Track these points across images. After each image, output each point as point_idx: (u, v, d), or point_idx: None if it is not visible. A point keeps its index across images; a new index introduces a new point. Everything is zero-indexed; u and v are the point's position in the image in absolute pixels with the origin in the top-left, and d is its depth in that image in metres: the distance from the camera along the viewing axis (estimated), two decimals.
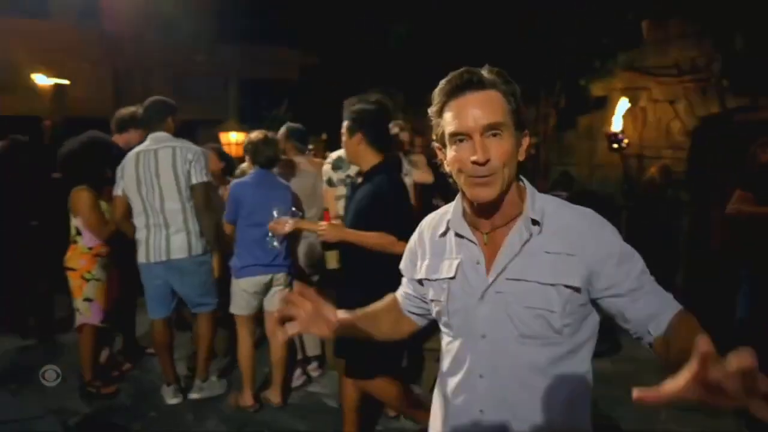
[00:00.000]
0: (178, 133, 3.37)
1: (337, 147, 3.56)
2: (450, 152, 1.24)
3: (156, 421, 3.35)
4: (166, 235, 3.24)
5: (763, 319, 3.47)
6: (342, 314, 1.34)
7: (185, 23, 7.79)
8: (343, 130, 2.59)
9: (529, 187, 1.31)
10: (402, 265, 1.51)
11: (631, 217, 5.66)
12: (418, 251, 1.43)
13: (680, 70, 5.66)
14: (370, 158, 2.56)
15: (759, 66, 4.89)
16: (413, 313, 1.51)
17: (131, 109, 3.81)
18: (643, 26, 5.96)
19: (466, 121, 1.19)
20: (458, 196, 1.34)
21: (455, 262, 1.30)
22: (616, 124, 5.81)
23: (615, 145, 5.85)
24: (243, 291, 3.30)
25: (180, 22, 7.67)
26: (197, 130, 4.80)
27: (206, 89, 7.21)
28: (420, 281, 1.41)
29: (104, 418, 3.38)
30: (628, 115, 5.98)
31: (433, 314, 1.40)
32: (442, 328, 1.38)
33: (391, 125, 4.24)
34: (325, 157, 4.76)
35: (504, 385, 1.25)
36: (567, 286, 1.20)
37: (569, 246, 1.21)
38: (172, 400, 3.48)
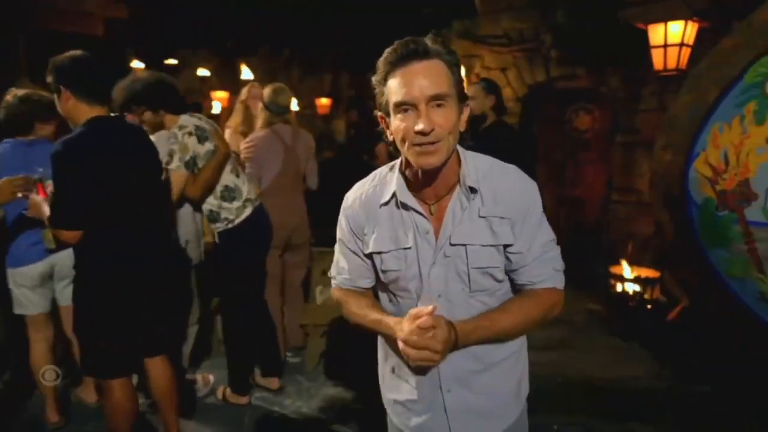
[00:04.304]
0: None
1: None
2: (395, 121, 1.27)
3: None
4: None
5: None
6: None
7: None
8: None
9: (462, 152, 1.39)
10: (351, 246, 1.50)
11: None
12: (365, 225, 1.44)
13: (510, 40, 6.08)
14: (84, 116, 2.33)
15: (578, 39, 5.44)
16: (365, 287, 1.56)
17: None
18: None
19: (412, 91, 1.22)
20: (396, 168, 1.40)
21: (410, 233, 1.38)
22: None
23: None
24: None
25: None
26: None
27: None
28: (370, 255, 1.44)
29: None
30: (465, 81, 6.27)
31: (385, 280, 1.45)
32: (397, 292, 1.46)
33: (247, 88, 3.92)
34: None
35: None
36: (505, 246, 1.36)
37: (502, 210, 1.35)
38: None
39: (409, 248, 1.39)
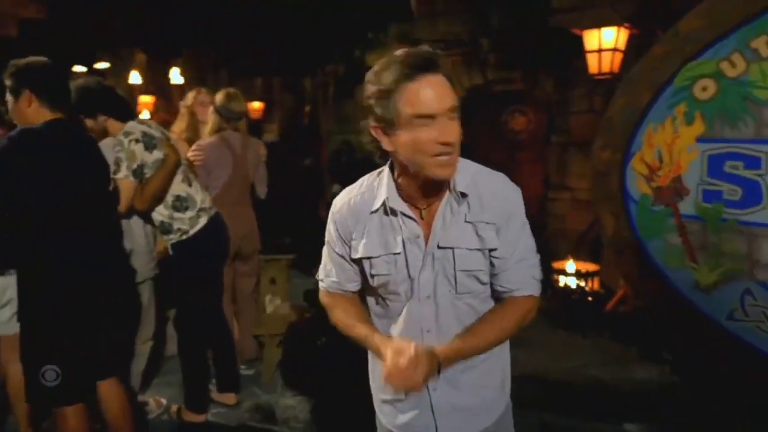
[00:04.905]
0: None
1: None
2: (407, 133, 1.26)
3: None
4: None
5: None
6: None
7: None
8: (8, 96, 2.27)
9: None
10: (338, 250, 1.51)
11: None
12: (354, 230, 1.46)
13: (447, 44, 6.19)
14: (44, 119, 2.25)
15: (513, 43, 5.64)
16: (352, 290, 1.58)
17: None
18: (412, 1, 6.33)
19: (434, 103, 1.23)
20: (385, 175, 1.42)
21: (399, 238, 1.40)
22: None
23: None
24: None
25: None
26: None
27: None
28: (359, 260, 1.46)
29: None
30: None
31: (374, 284, 1.47)
32: (386, 296, 1.48)
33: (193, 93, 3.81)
34: None
35: (448, 333, 1.43)
36: (490, 250, 1.41)
37: (488, 216, 1.39)
38: None
39: (399, 253, 1.41)
